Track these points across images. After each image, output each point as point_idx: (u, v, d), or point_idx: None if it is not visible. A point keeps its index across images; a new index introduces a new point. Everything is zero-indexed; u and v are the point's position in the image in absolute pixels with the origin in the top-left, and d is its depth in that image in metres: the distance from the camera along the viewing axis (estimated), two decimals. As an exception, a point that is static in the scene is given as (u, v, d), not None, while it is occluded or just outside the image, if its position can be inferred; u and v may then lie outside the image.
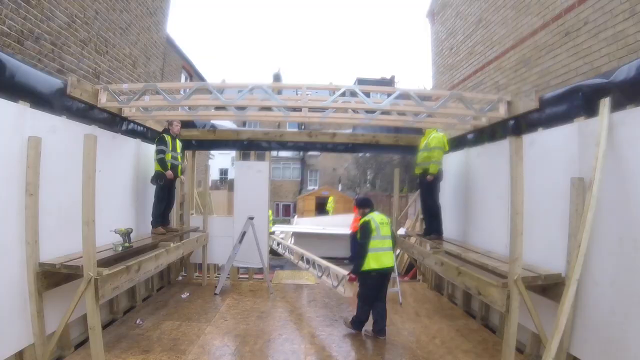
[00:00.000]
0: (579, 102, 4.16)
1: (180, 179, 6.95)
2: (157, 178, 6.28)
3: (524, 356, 4.75)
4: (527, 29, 5.48)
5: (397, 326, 5.87)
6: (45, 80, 4.43)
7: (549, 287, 4.28)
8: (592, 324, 3.75)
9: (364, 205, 5.80)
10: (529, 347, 4.79)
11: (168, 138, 6.42)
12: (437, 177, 6.57)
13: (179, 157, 6.69)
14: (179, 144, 6.79)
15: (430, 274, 8.17)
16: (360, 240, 5.44)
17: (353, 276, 5.54)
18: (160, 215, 6.69)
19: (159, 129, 7.18)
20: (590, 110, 3.95)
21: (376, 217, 5.48)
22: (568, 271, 3.86)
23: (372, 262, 5.27)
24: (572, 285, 3.63)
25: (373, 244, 5.31)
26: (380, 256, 5.29)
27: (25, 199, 3.96)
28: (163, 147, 6.26)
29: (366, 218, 5.48)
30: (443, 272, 5.76)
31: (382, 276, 5.42)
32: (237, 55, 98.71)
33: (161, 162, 6.25)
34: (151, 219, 6.66)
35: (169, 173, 6.22)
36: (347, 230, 11.33)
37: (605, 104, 3.66)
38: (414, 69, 48.91)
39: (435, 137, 6.53)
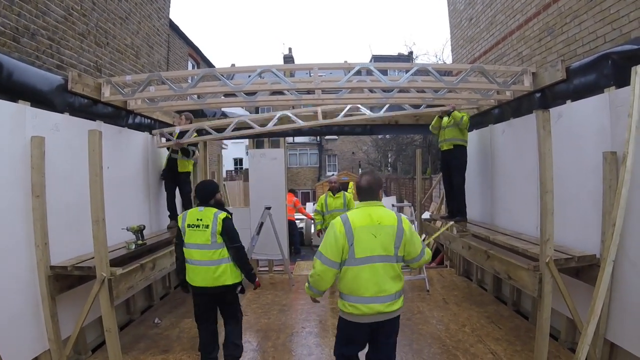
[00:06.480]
0: (608, 71, 4.07)
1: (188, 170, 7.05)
2: (161, 173, 6.80)
3: (558, 343, 4.75)
4: (551, -7, 5.36)
5: (424, 314, 5.93)
6: (44, 78, 4.48)
7: (583, 269, 4.26)
8: (630, 308, 3.72)
9: None
10: (563, 333, 4.79)
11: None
12: (459, 157, 6.49)
13: (179, 151, 6.61)
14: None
15: (458, 259, 8.18)
16: None
17: None
18: (169, 210, 6.86)
19: (167, 120, 7.27)
20: (621, 79, 3.87)
21: None
22: (603, 252, 3.82)
23: None
24: (608, 266, 3.59)
25: None
26: None
27: (32, 201, 4.01)
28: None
29: None
30: (471, 256, 5.77)
31: None
32: (247, 37, 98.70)
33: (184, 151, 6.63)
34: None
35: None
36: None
37: (637, 71, 3.56)
38: (434, 43, 47.71)
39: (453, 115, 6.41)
